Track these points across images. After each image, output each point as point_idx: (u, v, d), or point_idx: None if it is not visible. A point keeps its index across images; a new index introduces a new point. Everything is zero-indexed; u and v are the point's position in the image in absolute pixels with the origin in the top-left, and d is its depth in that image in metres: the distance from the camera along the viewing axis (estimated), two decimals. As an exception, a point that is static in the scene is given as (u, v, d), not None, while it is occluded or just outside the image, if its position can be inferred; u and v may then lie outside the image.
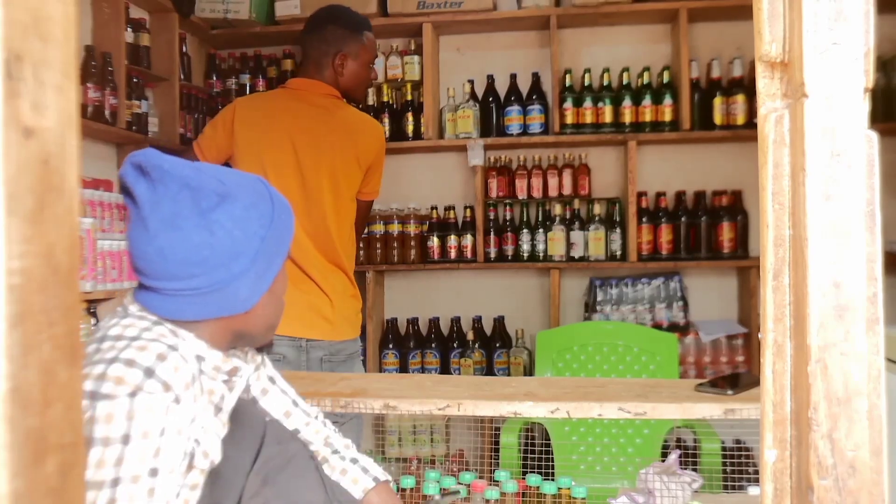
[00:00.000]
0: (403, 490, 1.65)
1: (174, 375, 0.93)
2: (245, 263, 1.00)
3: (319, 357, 2.10)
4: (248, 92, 3.36)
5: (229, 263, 0.98)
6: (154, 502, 0.89)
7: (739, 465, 2.23)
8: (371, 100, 3.35)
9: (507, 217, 3.29)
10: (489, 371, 3.23)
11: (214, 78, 3.42)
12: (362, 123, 2.22)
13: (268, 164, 2.08)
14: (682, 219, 3.18)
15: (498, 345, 3.25)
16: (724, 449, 2.49)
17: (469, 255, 3.25)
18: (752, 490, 1.70)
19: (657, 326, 3.13)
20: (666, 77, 3.18)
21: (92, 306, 2.32)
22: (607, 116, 3.17)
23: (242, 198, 1.01)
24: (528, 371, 3.19)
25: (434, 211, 3.33)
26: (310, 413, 1.31)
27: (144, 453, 0.89)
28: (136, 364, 0.91)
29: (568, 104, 3.18)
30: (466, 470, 1.83)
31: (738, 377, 1.64)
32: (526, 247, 3.24)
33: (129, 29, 2.78)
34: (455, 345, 3.26)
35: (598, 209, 3.23)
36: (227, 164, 2.13)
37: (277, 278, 1.06)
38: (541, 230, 3.24)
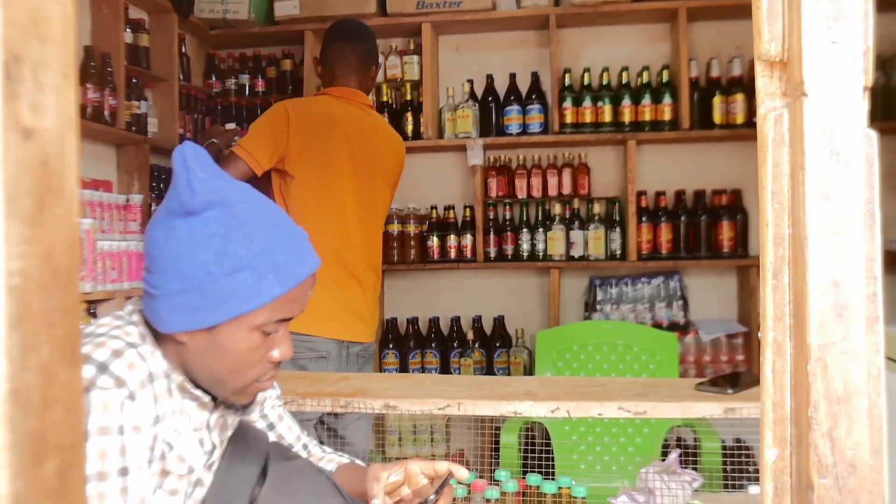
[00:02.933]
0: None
1: (128, 372, 0.91)
2: (179, 285, 0.93)
3: (357, 352, 2.20)
4: (247, 92, 3.38)
5: (166, 275, 0.94)
6: (129, 502, 0.89)
7: (739, 463, 2.23)
8: (371, 100, 3.34)
9: (507, 217, 3.29)
10: (489, 371, 3.23)
11: (214, 78, 3.42)
12: (394, 133, 2.39)
13: (330, 167, 2.12)
14: (682, 218, 3.17)
15: (498, 344, 3.25)
16: (724, 448, 2.49)
17: (469, 254, 3.25)
18: (753, 489, 1.70)
19: (657, 326, 3.13)
20: (665, 76, 3.18)
21: (92, 307, 2.32)
22: (607, 116, 3.17)
23: (216, 224, 0.92)
24: (528, 370, 3.19)
25: (434, 211, 3.33)
26: (308, 446, 1.31)
27: (106, 450, 0.88)
28: (90, 360, 0.90)
29: (567, 104, 3.18)
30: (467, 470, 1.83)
31: (738, 376, 1.64)
32: (526, 246, 3.24)
33: (128, 29, 2.78)
34: (455, 344, 3.26)
35: (597, 208, 3.23)
36: (273, 169, 2.09)
37: (230, 334, 0.95)
38: (540, 230, 3.24)
